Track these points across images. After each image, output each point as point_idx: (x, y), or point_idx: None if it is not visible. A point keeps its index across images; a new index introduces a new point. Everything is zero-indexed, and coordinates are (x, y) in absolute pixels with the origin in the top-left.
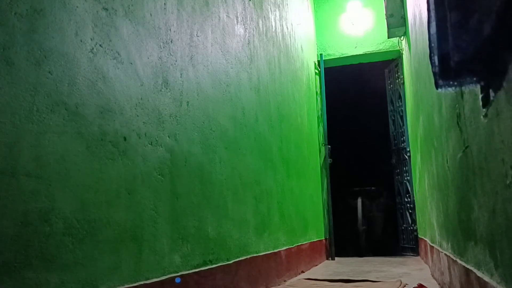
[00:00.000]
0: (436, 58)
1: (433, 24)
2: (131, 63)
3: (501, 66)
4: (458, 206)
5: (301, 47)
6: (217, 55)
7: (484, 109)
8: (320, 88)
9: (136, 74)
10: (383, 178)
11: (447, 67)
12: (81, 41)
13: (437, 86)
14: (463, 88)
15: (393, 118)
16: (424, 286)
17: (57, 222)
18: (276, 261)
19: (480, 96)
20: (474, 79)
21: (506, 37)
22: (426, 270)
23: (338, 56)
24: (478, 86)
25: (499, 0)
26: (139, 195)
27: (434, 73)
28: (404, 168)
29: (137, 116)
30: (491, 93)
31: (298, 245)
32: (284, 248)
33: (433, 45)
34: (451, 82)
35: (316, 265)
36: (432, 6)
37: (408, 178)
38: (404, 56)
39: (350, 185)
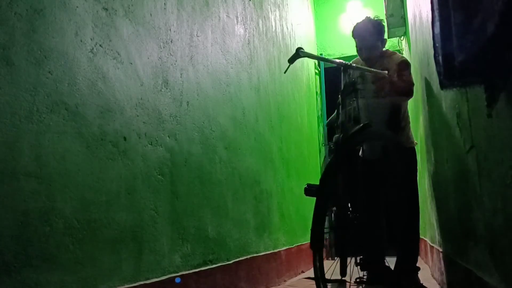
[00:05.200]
0: (440, 58)
1: (437, 24)
2: (131, 63)
3: (505, 65)
4: (458, 206)
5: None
6: (217, 55)
7: (488, 109)
8: (320, 88)
9: (136, 74)
10: None
11: (452, 67)
12: (81, 41)
13: (441, 86)
14: (467, 88)
15: None
16: (424, 286)
17: (57, 222)
18: (276, 261)
19: (484, 96)
20: (479, 79)
21: (510, 37)
22: (426, 270)
23: (338, 56)
24: (482, 86)
25: (501, 0)
26: (139, 195)
27: (439, 73)
28: None
29: (137, 116)
30: (495, 93)
31: (298, 245)
32: (284, 248)
33: (437, 45)
34: (455, 82)
35: None
36: (436, 6)
37: None
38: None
39: None
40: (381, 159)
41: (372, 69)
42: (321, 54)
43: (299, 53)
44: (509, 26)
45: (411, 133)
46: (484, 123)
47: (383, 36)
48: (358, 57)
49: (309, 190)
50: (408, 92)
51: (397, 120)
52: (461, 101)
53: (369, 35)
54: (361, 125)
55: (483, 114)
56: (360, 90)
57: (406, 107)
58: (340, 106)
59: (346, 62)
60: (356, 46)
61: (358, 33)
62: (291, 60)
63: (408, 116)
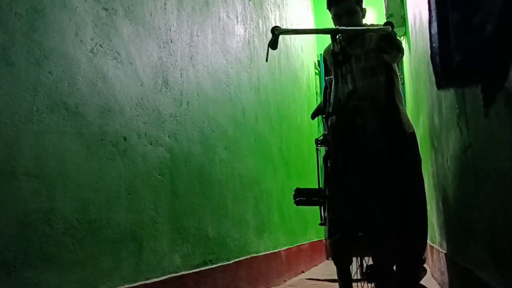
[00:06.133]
0: (437, 58)
1: (435, 24)
2: (131, 63)
3: (501, 66)
4: (458, 206)
5: (301, 47)
6: (217, 55)
7: (485, 109)
8: (320, 88)
9: (136, 74)
10: None
11: (449, 67)
12: (81, 41)
13: (438, 86)
14: (464, 88)
15: None
16: (424, 286)
17: (57, 222)
18: (276, 261)
19: (482, 96)
20: (476, 79)
21: (507, 37)
22: (426, 270)
23: None
24: (480, 86)
25: (501, 0)
26: (139, 195)
27: (436, 73)
28: None
29: (137, 116)
30: (492, 93)
31: (298, 245)
32: (284, 248)
33: (434, 45)
34: (452, 82)
35: (316, 265)
36: (433, 6)
37: None
38: (404, 56)
39: None
40: (382, 148)
41: (372, 28)
42: (321, 54)
43: (274, 32)
44: (507, 26)
45: (407, 116)
46: (483, 123)
47: (362, 4)
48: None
49: (303, 200)
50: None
51: (392, 97)
52: (461, 101)
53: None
54: (346, 94)
55: (482, 114)
56: (349, 73)
57: (398, 82)
58: (333, 81)
59: (332, 28)
60: (334, 17)
61: None
62: (273, 44)
63: (401, 95)
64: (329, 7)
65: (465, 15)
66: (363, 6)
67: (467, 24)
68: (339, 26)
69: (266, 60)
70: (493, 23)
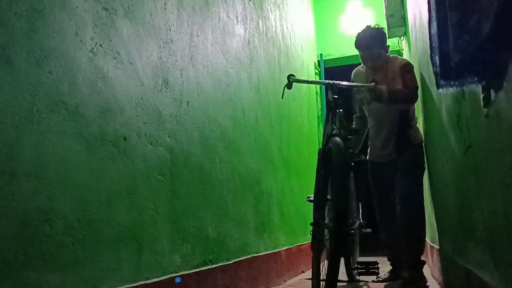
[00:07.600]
0: (437, 58)
1: (434, 24)
2: (131, 63)
3: (501, 66)
4: (458, 206)
5: (301, 47)
6: (217, 55)
7: (485, 109)
8: (320, 88)
9: (136, 74)
10: None
11: (448, 67)
12: (81, 41)
13: (438, 86)
14: (464, 88)
15: None
16: (427, 286)
17: (57, 222)
18: (276, 261)
19: (481, 96)
20: (475, 79)
21: (505, 36)
22: (426, 270)
23: (338, 56)
24: (479, 86)
25: (497, 0)
26: (139, 195)
27: (435, 73)
28: None
29: (137, 116)
30: (492, 93)
31: (298, 245)
32: (284, 248)
33: (434, 45)
34: (452, 82)
35: None
36: (433, 6)
37: None
38: (404, 56)
39: None
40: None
41: (358, 84)
42: (321, 54)
43: (289, 79)
44: (504, 26)
45: (419, 130)
46: (483, 123)
47: (386, 43)
48: (362, 64)
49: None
50: (411, 98)
51: (407, 119)
52: (461, 101)
53: (373, 45)
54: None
55: (481, 114)
56: (366, 98)
57: (414, 106)
58: (324, 120)
59: (331, 82)
60: (361, 57)
61: (362, 43)
62: (288, 87)
63: (414, 114)
64: (356, 47)
65: (463, 15)
66: (387, 44)
67: (466, 24)
68: (365, 65)
69: (282, 97)
70: (490, 23)
